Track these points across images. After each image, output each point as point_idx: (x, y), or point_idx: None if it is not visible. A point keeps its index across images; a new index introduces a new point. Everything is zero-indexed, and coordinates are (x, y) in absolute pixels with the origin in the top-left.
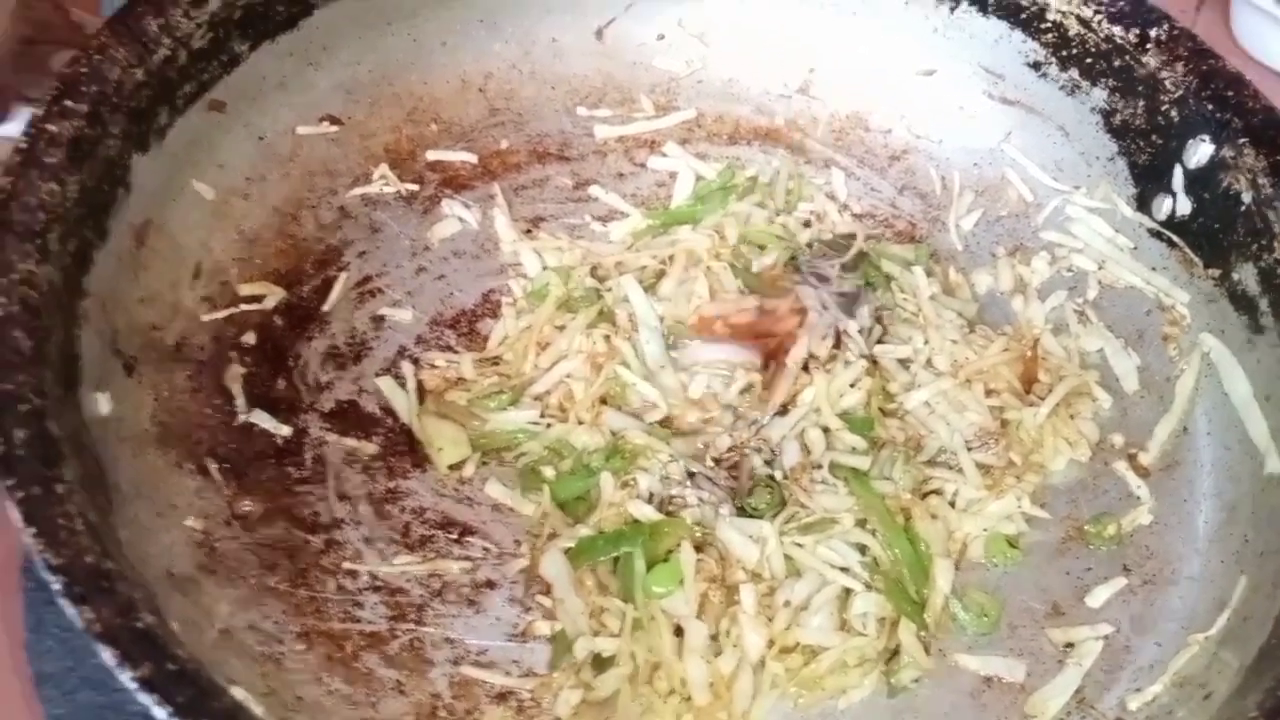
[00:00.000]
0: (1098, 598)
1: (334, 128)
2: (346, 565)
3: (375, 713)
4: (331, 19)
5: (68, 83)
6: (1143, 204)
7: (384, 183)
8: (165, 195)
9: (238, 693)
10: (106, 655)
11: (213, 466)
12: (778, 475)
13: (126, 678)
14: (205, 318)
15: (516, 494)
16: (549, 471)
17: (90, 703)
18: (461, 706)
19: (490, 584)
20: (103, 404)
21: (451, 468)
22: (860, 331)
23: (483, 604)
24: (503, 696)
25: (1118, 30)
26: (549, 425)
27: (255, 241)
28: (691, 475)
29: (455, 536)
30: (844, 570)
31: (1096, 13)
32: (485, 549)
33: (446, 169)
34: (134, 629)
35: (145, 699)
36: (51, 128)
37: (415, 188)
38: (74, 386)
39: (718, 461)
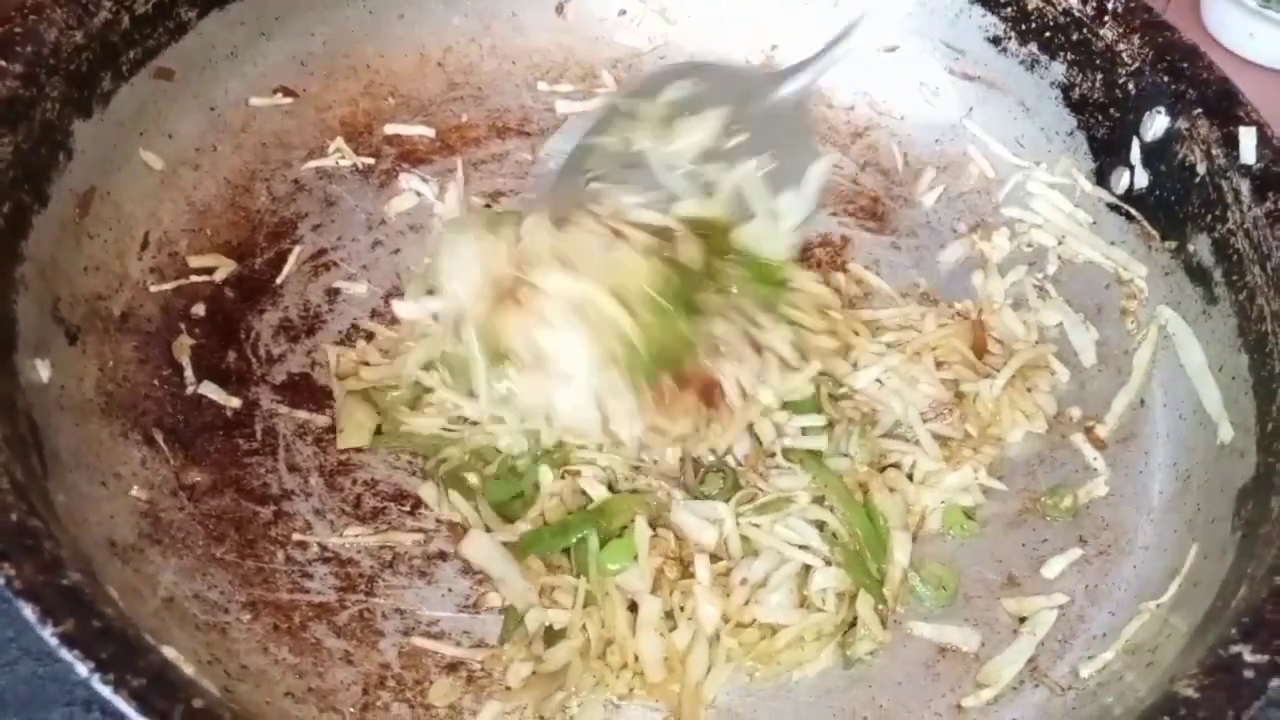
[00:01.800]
0: (1053, 568)
1: (288, 99)
2: (296, 537)
3: (322, 682)
4: None
5: (1, 42)
6: (1101, 178)
7: (339, 156)
8: (111, 163)
9: (168, 652)
10: (27, 611)
11: (159, 437)
12: (730, 463)
13: (48, 633)
14: (154, 288)
15: (443, 497)
16: (473, 478)
17: (30, 673)
18: (410, 676)
19: (442, 555)
20: (42, 370)
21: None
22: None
23: (434, 575)
24: (453, 667)
25: (1075, 3)
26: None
27: (206, 213)
28: (636, 468)
29: (408, 509)
30: (803, 548)
31: None
32: (438, 521)
33: (404, 143)
34: (58, 585)
35: (67, 655)
36: None
37: (371, 161)
38: (9, 351)
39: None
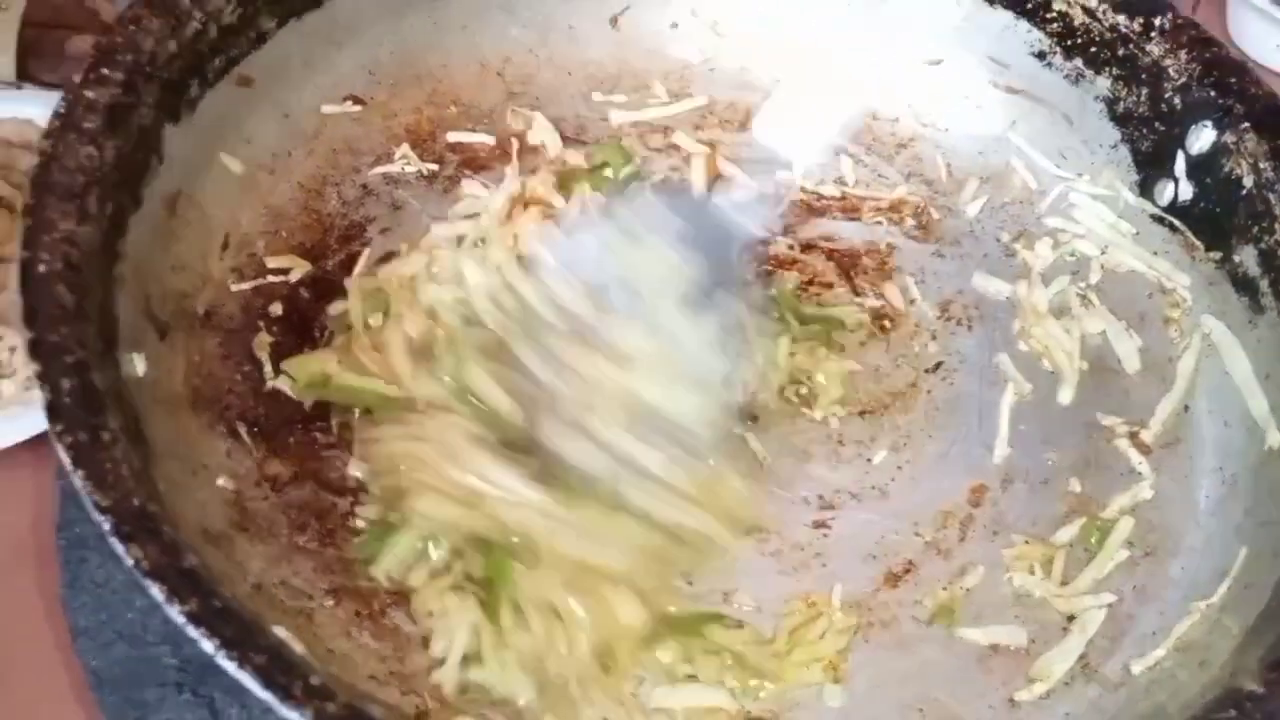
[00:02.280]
0: (1101, 569)
1: (357, 107)
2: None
3: (402, 666)
4: (353, 2)
5: (103, 51)
6: (1145, 190)
7: (405, 162)
8: (195, 167)
9: (280, 631)
10: (155, 591)
11: (243, 430)
12: None
13: (175, 612)
14: (234, 288)
15: None
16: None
17: (124, 655)
18: None
19: None
20: (138, 364)
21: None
22: None
23: None
24: None
25: (1122, 19)
26: None
27: (281, 215)
28: None
29: None
30: None
31: (1101, 2)
32: None
33: (466, 150)
34: (179, 568)
35: (194, 633)
36: (89, 94)
37: (435, 167)
38: (113, 345)
39: None
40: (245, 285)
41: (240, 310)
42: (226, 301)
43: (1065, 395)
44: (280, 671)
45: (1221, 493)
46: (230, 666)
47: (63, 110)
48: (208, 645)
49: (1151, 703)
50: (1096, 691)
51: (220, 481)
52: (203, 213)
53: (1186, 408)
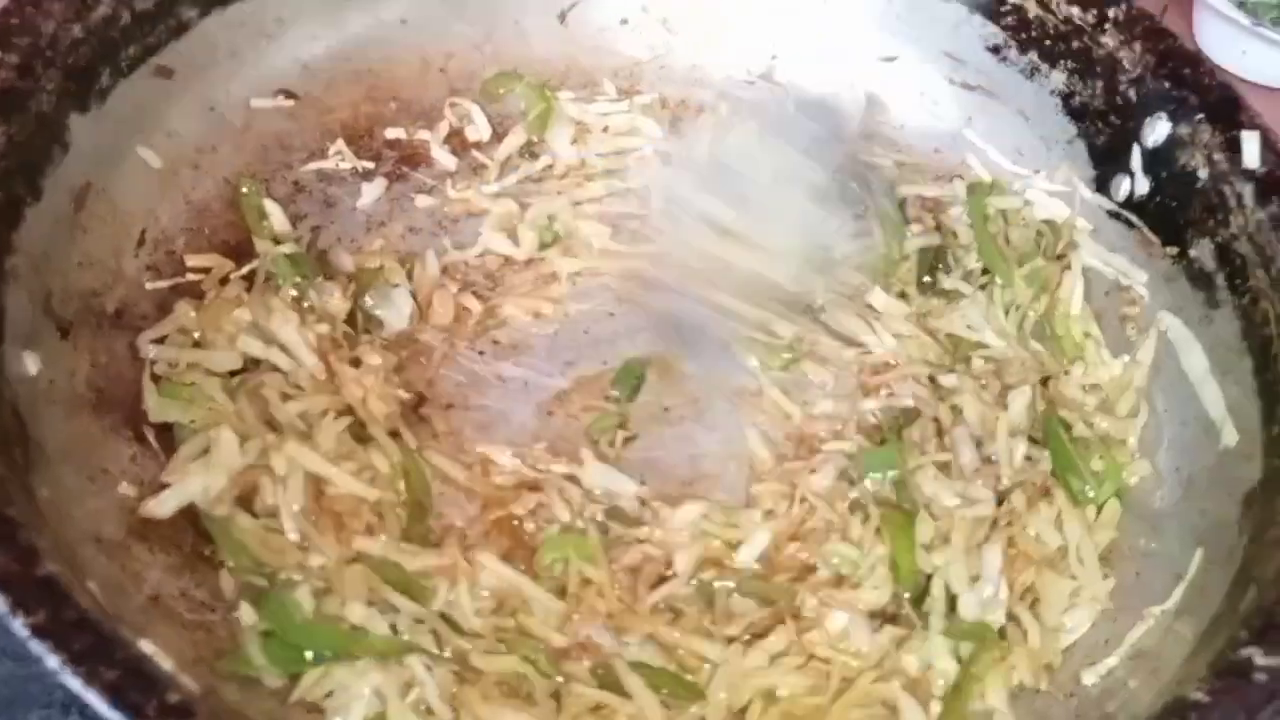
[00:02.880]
0: None
1: (290, 102)
2: None
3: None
4: None
5: None
6: (1102, 185)
7: (340, 158)
8: (108, 159)
9: (146, 646)
10: None
11: (150, 434)
12: None
13: (18, 625)
14: (149, 286)
15: None
16: None
17: (11, 674)
18: None
19: None
20: (30, 363)
21: None
22: None
23: None
24: None
25: (1076, 11)
26: None
27: (204, 212)
28: None
29: None
30: None
31: None
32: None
33: (404, 147)
34: (33, 576)
35: (37, 647)
36: None
37: (372, 165)
38: None
39: None
40: (161, 284)
41: (155, 309)
42: (140, 300)
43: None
44: (135, 689)
45: (1178, 494)
46: (75, 684)
47: None
48: (52, 660)
49: (1100, 713)
50: (1045, 702)
51: (121, 488)
52: (115, 207)
53: (1144, 407)
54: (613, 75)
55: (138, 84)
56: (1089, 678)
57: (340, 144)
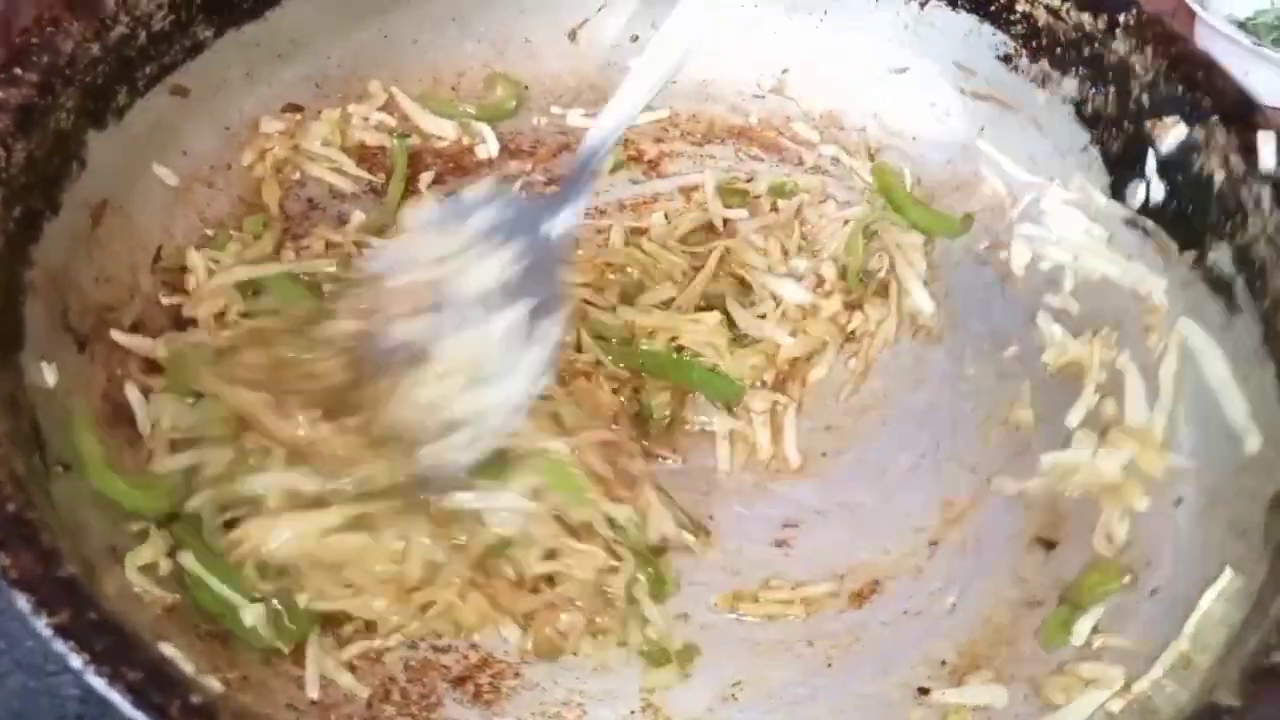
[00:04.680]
0: None
1: (299, 118)
2: None
3: (325, 695)
4: (300, 11)
5: (18, 51)
6: (1117, 192)
7: (355, 179)
8: (125, 176)
9: (166, 648)
10: (22, 601)
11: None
12: None
13: (42, 624)
14: (165, 301)
15: None
16: None
17: (21, 686)
18: (416, 691)
19: None
20: (48, 375)
21: None
22: None
23: None
24: (460, 681)
25: (1086, 17)
26: None
27: (219, 229)
28: None
29: None
30: None
31: (1065, 1)
32: None
33: (414, 164)
34: (55, 577)
35: (61, 646)
36: None
37: (385, 180)
38: (13, 349)
39: None
40: (177, 299)
41: (171, 325)
42: (157, 316)
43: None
44: (157, 689)
45: (1202, 503)
46: (99, 683)
47: None
48: (76, 660)
49: (1146, 712)
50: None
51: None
52: (132, 224)
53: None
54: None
55: (154, 102)
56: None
57: (352, 161)
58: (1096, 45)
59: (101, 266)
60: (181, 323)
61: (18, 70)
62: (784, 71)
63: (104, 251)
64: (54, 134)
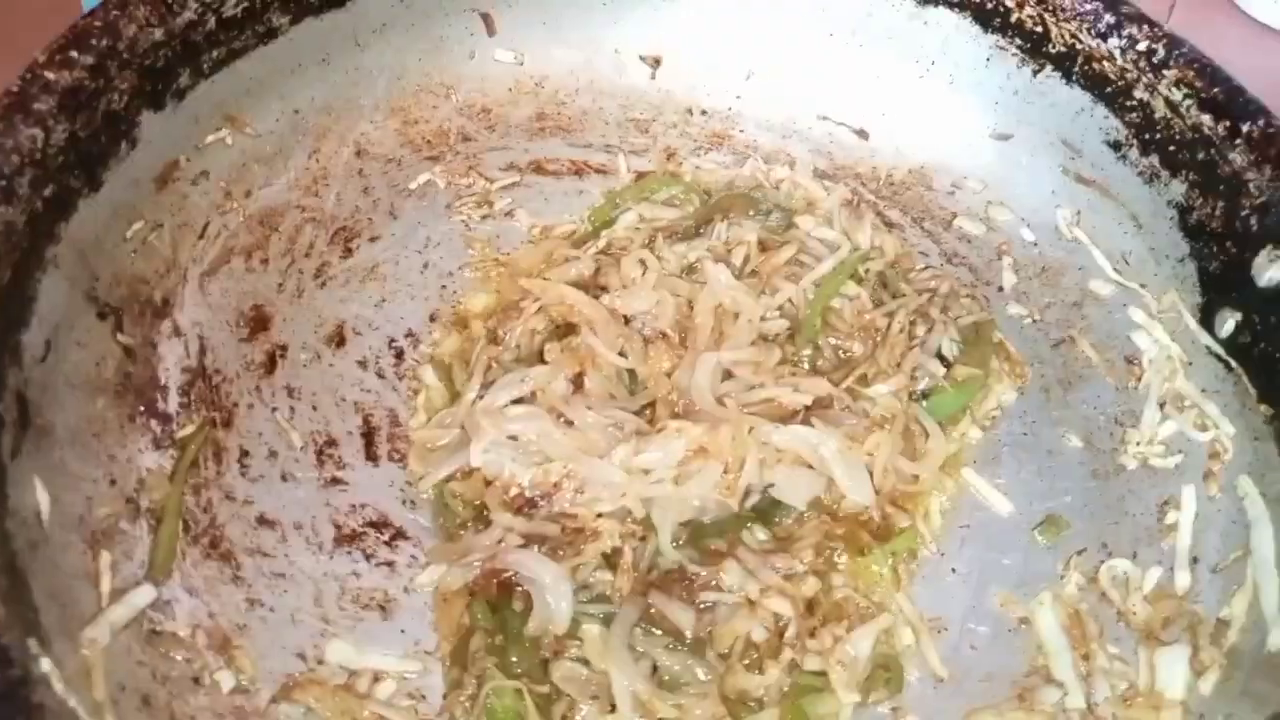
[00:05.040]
0: None
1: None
2: (269, 548)
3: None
4: (381, 3)
5: (78, 34)
6: (1206, 317)
7: (415, 171)
8: (180, 153)
9: (44, 664)
10: None
11: (166, 424)
12: None
13: None
14: (200, 276)
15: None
16: None
17: None
18: None
19: (405, 591)
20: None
21: None
22: None
23: (391, 612)
24: None
25: (1207, 119)
26: None
27: (270, 210)
28: None
29: (386, 539)
30: None
31: (1187, 97)
32: (412, 557)
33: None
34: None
35: None
36: (49, 75)
37: (443, 183)
38: (16, 329)
39: None
40: (211, 278)
41: (203, 302)
42: (186, 292)
43: None
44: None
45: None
46: None
47: (15, 90)
48: None
49: None
50: None
51: (125, 475)
52: (184, 200)
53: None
54: (704, 118)
55: (220, 85)
56: None
57: (418, 157)
58: (1213, 151)
59: (142, 238)
60: (213, 303)
61: (74, 53)
62: (882, 115)
63: (147, 226)
64: (103, 115)
